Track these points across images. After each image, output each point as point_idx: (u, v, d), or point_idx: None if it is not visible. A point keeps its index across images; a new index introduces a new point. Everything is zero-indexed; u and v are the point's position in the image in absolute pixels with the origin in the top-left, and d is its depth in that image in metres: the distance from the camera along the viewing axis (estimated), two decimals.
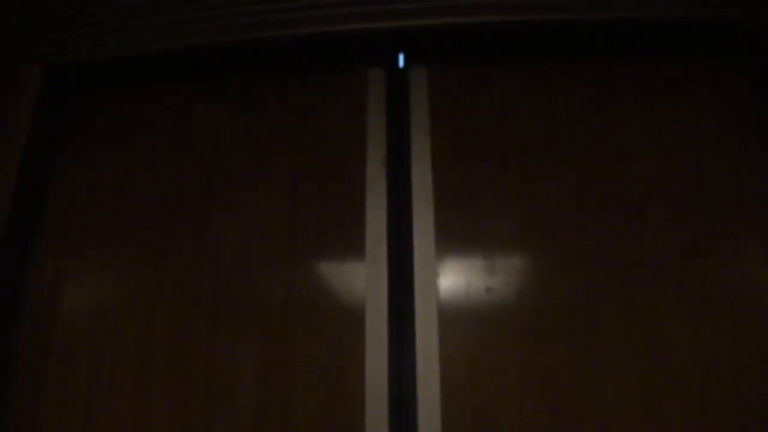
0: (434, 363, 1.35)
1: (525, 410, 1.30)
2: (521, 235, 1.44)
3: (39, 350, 1.47)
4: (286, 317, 1.42)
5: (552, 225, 1.44)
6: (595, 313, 1.36)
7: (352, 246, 1.47)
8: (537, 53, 1.61)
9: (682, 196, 1.45)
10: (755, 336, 1.32)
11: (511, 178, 1.50)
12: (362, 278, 1.44)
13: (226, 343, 1.42)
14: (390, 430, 1.32)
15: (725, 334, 1.32)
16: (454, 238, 1.46)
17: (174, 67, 1.67)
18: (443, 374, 1.34)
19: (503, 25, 1.53)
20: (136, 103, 1.69)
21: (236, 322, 1.43)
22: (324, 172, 1.55)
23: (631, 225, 1.43)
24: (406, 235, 1.48)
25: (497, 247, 1.44)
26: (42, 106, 1.61)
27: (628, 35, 1.59)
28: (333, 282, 1.45)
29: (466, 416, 1.31)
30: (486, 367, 1.34)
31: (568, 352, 1.33)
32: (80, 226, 1.58)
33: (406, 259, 1.46)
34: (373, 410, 1.32)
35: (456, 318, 1.38)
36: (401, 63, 1.63)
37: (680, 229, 1.42)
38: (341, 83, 1.64)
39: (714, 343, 1.32)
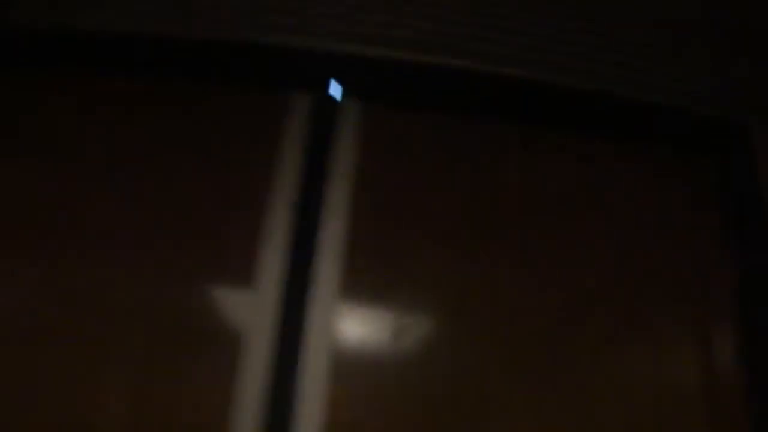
0: (317, 416, 1.16)
1: None
2: (438, 304, 1.25)
3: None
4: (154, 344, 1.19)
5: (477, 301, 1.26)
6: (501, 392, 1.21)
7: (241, 278, 1.24)
8: (493, 110, 1.39)
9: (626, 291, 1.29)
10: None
11: (439, 252, 1.28)
12: (247, 314, 1.22)
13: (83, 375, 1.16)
14: None
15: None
16: (361, 291, 1.25)
17: (60, 48, 1.35)
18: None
19: (458, 72, 1.30)
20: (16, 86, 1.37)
21: (99, 347, 1.18)
22: (220, 200, 1.28)
23: (555, 310, 1.26)
24: (306, 278, 1.26)
25: (410, 311, 1.25)
26: None
27: (593, 109, 1.39)
28: (212, 314, 1.22)
29: None
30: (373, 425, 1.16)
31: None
32: None
33: (303, 300, 1.25)
34: None
35: (349, 369, 1.20)
36: (334, 93, 1.37)
37: (615, 324, 1.27)
38: (258, 105, 1.36)
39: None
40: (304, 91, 1.37)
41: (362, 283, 1.25)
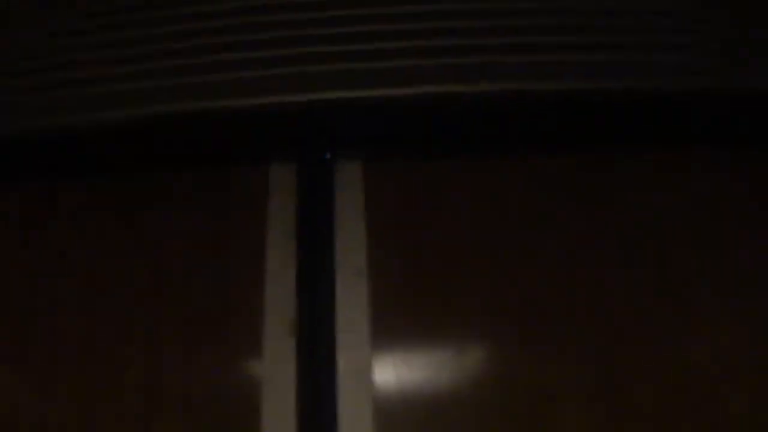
0: None
1: None
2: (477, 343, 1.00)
3: None
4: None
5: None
6: None
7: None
8: (528, 141, 1.09)
9: None
10: None
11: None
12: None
13: None
14: None
15: None
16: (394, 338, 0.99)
17: None
18: None
19: (473, 98, 1.00)
20: None
21: None
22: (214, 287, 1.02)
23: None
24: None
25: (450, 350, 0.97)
26: None
27: (639, 113, 1.08)
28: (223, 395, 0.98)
29: None
30: None
31: None
32: None
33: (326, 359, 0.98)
34: None
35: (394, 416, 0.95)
36: (322, 154, 1.08)
37: None
38: (230, 185, 1.08)
39: None
40: (287, 159, 1.08)
41: (395, 331, 1.01)
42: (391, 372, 0.96)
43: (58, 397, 0.97)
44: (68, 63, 1.02)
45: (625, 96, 1.02)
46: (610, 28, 1.03)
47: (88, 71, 1.03)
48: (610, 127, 1.10)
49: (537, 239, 1.06)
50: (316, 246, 1.02)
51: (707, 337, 1.00)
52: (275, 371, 0.94)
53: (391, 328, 0.98)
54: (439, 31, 1.02)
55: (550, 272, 1.04)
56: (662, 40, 1.03)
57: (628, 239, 1.07)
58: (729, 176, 1.12)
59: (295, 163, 1.08)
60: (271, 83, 0.98)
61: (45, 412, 0.96)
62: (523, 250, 1.06)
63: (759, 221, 1.09)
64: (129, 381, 0.98)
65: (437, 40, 1.02)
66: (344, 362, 0.95)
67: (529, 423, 0.95)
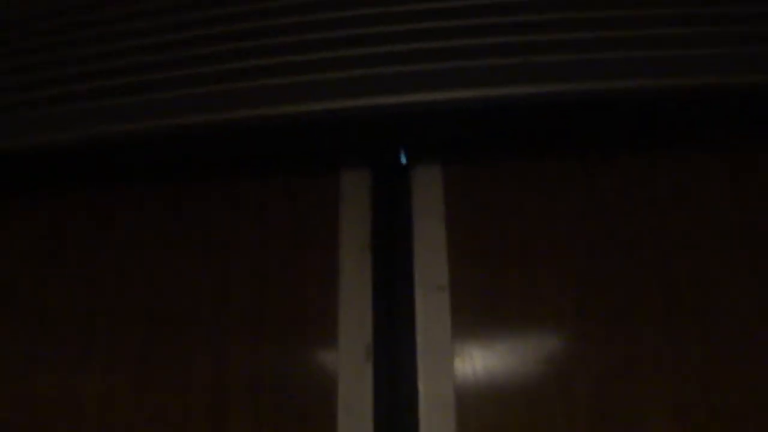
0: None
1: None
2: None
3: None
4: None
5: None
6: None
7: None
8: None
9: None
10: None
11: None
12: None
13: None
14: None
15: None
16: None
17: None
18: None
19: (550, 99, 0.90)
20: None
21: None
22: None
23: None
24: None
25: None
26: None
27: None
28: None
29: None
30: None
31: None
32: None
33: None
34: None
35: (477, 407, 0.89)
36: (397, 160, 1.01)
37: None
38: (299, 193, 1.03)
39: None
40: (359, 165, 1.02)
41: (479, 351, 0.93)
42: (475, 402, 0.90)
43: (127, 394, 0.96)
44: (143, 66, 0.98)
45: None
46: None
47: (164, 74, 0.98)
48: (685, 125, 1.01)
49: (625, 238, 0.97)
50: (393, 259, 0.96)
51: None
52: (353, 400, 0.89)
53: (474, 350, 0.91)
54: (516, 28, 0.93)
55: (644, 275, 0.95)
56: None
57: (731, 233, 0.96)
58: None
59: (368, 168, 1.02)
60: (340, 86, 0.91)
61: (111, 412, 0.95)
62: (610, 251, 0.97)
63: None
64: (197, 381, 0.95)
65: (514, 37, 0.92)
66: (425, 390, 0.89)
67: None
